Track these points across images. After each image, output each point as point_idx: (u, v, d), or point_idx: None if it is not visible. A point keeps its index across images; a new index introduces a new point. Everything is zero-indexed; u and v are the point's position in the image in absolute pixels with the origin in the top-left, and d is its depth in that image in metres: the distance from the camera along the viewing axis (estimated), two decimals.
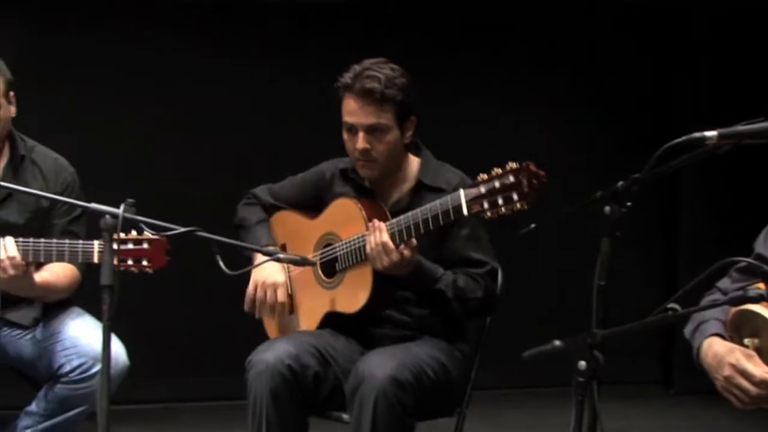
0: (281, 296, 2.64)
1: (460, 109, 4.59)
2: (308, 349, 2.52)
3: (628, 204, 1.86)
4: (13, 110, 2.73)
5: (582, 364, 1.73)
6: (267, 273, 2.64)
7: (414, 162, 2.67)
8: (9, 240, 2.51)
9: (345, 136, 2.59)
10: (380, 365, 2.41)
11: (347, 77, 2.55)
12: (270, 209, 2.81)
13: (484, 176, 2.27)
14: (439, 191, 2.56)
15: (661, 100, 4.93)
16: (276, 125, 4.44)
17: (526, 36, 4.75)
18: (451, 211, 2.33)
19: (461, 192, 2.30)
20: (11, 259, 2.50)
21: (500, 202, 2.23)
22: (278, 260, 2.48)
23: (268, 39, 4.47)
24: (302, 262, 2.35)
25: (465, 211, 2.30)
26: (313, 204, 2.75)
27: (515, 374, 4.30)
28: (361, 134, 2.54)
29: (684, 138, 1.80)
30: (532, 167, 2.22)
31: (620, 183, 1.85)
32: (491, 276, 2.59)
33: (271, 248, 2.60)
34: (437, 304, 2.56)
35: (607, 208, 1.86)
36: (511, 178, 2.22)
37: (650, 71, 4.91)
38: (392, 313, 2.63)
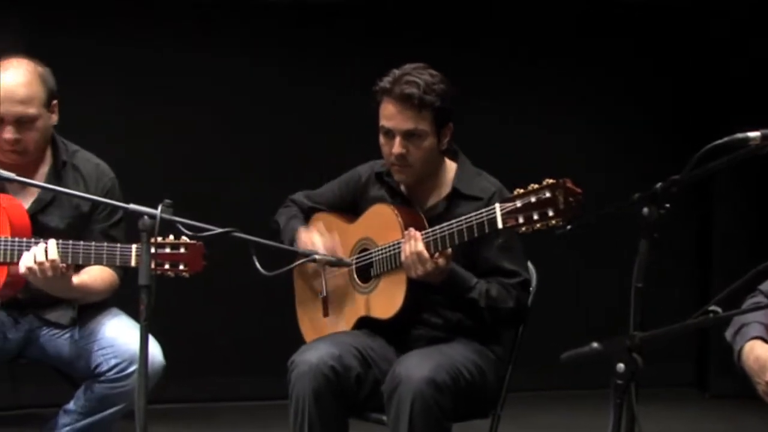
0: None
1: (490, 111, 4.59)
2: (350, 350, 2.53)
3: (667, 205, 1.84)
4: (54, 119, 2.77)
5: (621, 366, 1.72)
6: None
7: (451, 168, 2.67)
8: (51, 243, 2.55)
9: (381, 140, 2.60)
10: (417, 367, 2.41)
11: (386, 81, 2.56)
12: (308, 212, 2.83)
13: (520, 191, 2.28)
14: (475, 199, 2.57)
15: (700, 99, 4.89)
16: (309, 127, 4.47)
17: (559, 36, 4.74)
18: (486, 224, 2.34)
19: (497, 206, 2.32)
20: (52, 261, 2.54)
21: (535, 217, 2.24)
22: (314, 261, 2.50)
23: (302, 41, 4.50)
24: (338, 263, 2.36)
25: (500, 225, 2.31)
26: (349, 206, 2.76)
27: (549, 376, 4.28)
28: (397, 139, 2.55)
29: (727, 139, 1.78)
30: (569, 184, 2.22)
31: (659, 184, 1.83)
32: (523, 287, 2.60)
33: (305, 236, 2.59)
34: (469, 311, 2.57)
35: (645, 210, 1.85)
36: (548, 194, 2.22)
37: (689, 71, 4.88)
38: (426, 316, 2.64)
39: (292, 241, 2.70)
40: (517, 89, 4.72)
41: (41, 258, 2.53)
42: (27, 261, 2.54)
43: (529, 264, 2.69)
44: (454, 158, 2.69)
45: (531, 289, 2.68)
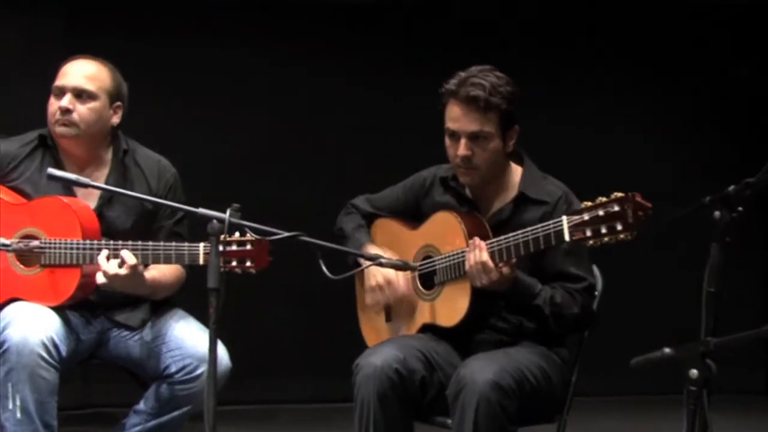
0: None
1: (561, 116, 4.55)
2: (415, 353, 2.53)
3: (740, 209, 1.81)
4: (114, 120, 2.82)
5: (694, 372, 1.69)
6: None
7: (516, 172, 2.66)
8: (126, 252, 2.60)
9: (447, 142, 2.60)
10: (482, 370, 2.41)
11: (452, 84, 2.55)
12: (369, 218, 2.83)
13: (588, 203, 2.26)
14: (542, 203, 2.56)
15: None
16: (370, 130, 4.49)
17: (630, 40, 4.68)
18: (552, 236, 2.33)
19: (564, 218, 2.30)
20: (129, 267, 2.59)
21: (603, 231, 2.22)
22: (380, 264, 2.50)
23: (363, 44, 4.51)
24: (404, 266, 2.36)
25: (567, 238, 2.29)
26: (411, 211, 2.76)
27: (615, 381, 4.22)
28: (463, 141, 2.55)
29: None
30: (639, 198, 2.19)
31: (731, 187, 1.80)
32: (588, 292, 2.58)
33: (373, 252, 2.62)
34: (534, 318, 2.56)
35: (717, 213, 1.82)
36: (616, 208, 2.20)
37: (764, 70, 4.77)
38: (491, 320, 2.62)
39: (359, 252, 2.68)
40: (580, 93, 4.67)
41: (117, 266, 2.59)
42: (107, 270, 2.60)
43: (595, 268, 2.66)
44: (519, 162, 2.67)
45: (596, 293, 2.64)
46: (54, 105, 2.77)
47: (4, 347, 2.54)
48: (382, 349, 2.54)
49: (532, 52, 4.54)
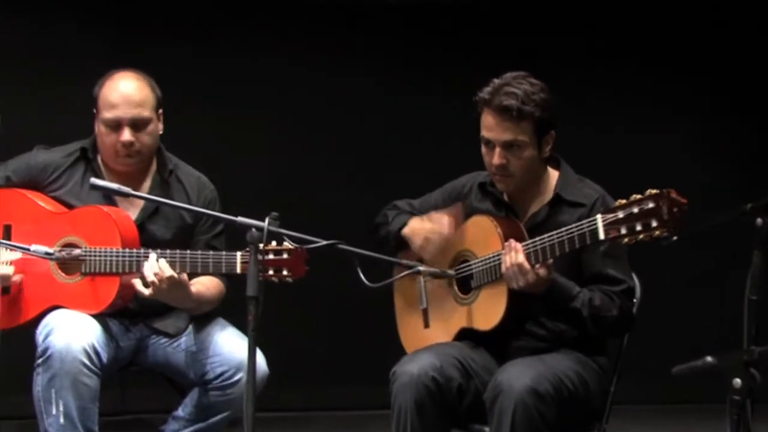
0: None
1: (597, 118, 4.53)
2: (451, 361, 2.53)
3: None
4: (160, 127, 2.86)
5: (737, 381, 1.67)
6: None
7: (553, 175, 2.66)
8: (162, 260, 2.62)
9: (483, 149, 2.61)
10: (519, 376, 2.40)
11: (485, 92, 2.56)
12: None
13: (623, 201, 2.25)
14: (578, 206, 2.56)
15: None
16: (407, 137, 4.49)
17: (666, 43, 4.65)
18: (587, 235, 2.32)
19: (598, 217, 2.29)
20: (164, 275, 2.61)
21: (638, 228, 2.20)
22: (418, 272, 2.51)
23: (398, 50, 4.52)
24: (442, 274, 2.37)
25: (602, 236, 2.28)
26: None
27: (655, 389, 4.18)
28: (497, 150, 2.55)
29: None
30: (674, 194, 2.17)
31: None
32: (627, 295, 2.56)
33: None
34: (572, 321, 2.54)
35: (759, 221, 1.80)
36: (651, 204, 2.18)
37: None
38: (528, 326, 2.62)
39: (402, 226, 2.70)
40: (659, 97, 4.63)
41: (156, 272, 2.62)
42: (146, 275, 2.63)
43: (634, 276, 2.64)
44: (556, 166, 2.67)
45: (635, 297, 2.62)
46: (111, 138, 2.77)
47: (48, 354, 2.58)
48: (418, 357, 2.55)
49: (561, 56, 4.53)
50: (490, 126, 2.55)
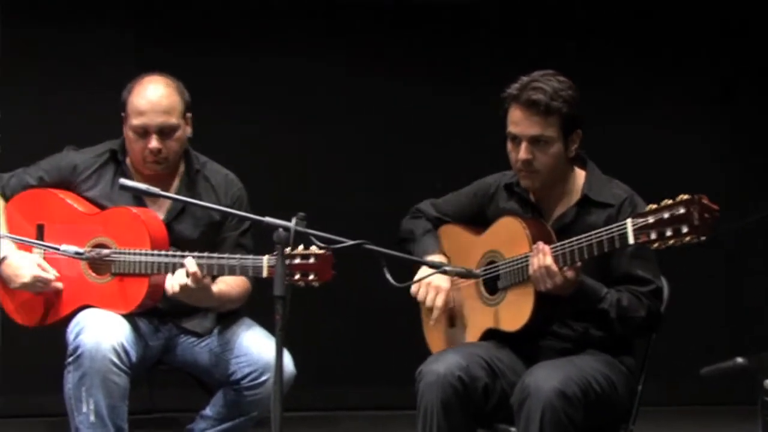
0: (439, 301, 2.66)
1: (622, 118, 4.50)
2: (478, 361, 2.53)
3: None
4: (188, 130, 2.88)
5: None
6: (434, 276, 2.66)
7: (580, 175, 2.65)
8: (190, 260, 2.64)
9: (509, 146, 2.60)
10: (547, 378, 2.40)
11: (514, 88, 2.56)
12: (434, 222, 2.85)
13: (653, 206, 2.24)
14: (606, 206, 2.55)
15: None
16: (430, 137, 4.49)
17: (688, 42, 4.62)
18: (616, 239, 2.32)
19: (628, 221, 2.29)
20: (194, 276, 2.64)
21: (669, 233, 2.20)
22: (445, 272, 2.51)
23: (424, 52, 4.52)
24: (468, 274, 2.37)
25: (631, 241, 2.28)
26: (476, 217, 2.77)
27: (683, 390, 4.15)
28: (524, 145, 2.55)
29: None
30: (705, 200, 2.17)
31: None
32: (655, 295, 2.55)
33: (437, 260, 2.62)
34: (599, 322, 2.54)
35: None
36: (682, 210, 2.18)
37: None
38: (555, 327, 2.61)
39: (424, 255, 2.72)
40: (681, 97, 4.61)
41: (184, 276, 2.64)
42: (173, 281, 2.65)
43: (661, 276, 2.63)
44: (582, 166, 2.67)
45: (664, 297, 2.61)
46: (139, 144, 2.80)
47: (78, 352, 2.62)
48: (445, 357, 2.55)
49: (588, 55, 4.50)
50: (517, 120, 2.55)
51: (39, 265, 2.74)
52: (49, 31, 4.27)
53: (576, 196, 2.62)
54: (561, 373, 2.41)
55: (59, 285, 2.76)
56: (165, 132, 2.79)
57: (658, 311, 2.56)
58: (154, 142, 2.78)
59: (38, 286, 2.74)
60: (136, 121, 2.79)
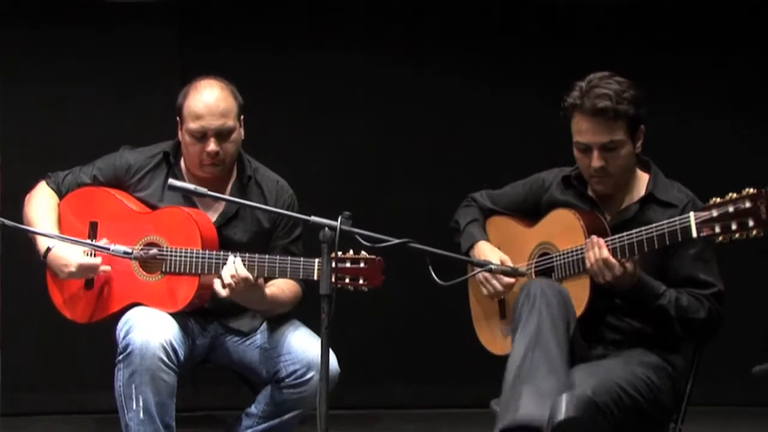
0: (498, 285, 2.65)
1: (670, 115, 4.45)
2: None
3: None
4: (242, 133, 2.90)
5: None
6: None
7: (643, 176, 2.65)
8: (237, 260, 2.67)
9: (577, 154, 2.60)
10: (580, 384, 2.38)
11: (574, 96, 2.55)
12: (487, 212, 2.85)
13: (717, 199, 2.23)
14: (669, 206, 2.54)
15: None
16: (477, 132, 4.46)
17: (728, 30, 4.55)
18: (678, 232, 2.31)
19: (691, 214, 2.28)
20: (242, 276, 2.66)
21: (734, 227, 2.19)
22: (490, 271, 2.52)
23: (472, 47, 4.49)
24: (513, 273, 2.37)
25: (694, 234, 2.27)
26: (529, 209, 2.77)
27: (734, 390, 4.10)
28: (595, 153, 2.55)
29: None
30: None
31: None
32: (717, 298, 2.53)
33: (486, 249, 2.61)
34: (658, 320, 2.52)
35: None
36: (748, 204, 2.17)
37: None
38: (609, 319, 2.60)
39: (470, 248, 2.72)
40: (742, 97, 4.55)
41: (233, 273, 2.66)
42: (224, 277, 2.67)
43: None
44: (646, 169, 2.66)
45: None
46: (196, 148, 2.81)
47: (128, 350, 2.65)
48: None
49: (634, 53, 4.45)
50: (584, 130, 2.54)
51: (84, 252, 2.78)
52: (88, 32, 4.30)
53: (638, 193, 2.61)
54: (594, 380, 2.39)
55: (107, 268, 2.78)
56: (223, 135, 2.81)
57: (719, 314, 2.53)
58: (212, 145, 2.80)
59: (86, 273, 2.77)
60: (193, 125, 2.81)
